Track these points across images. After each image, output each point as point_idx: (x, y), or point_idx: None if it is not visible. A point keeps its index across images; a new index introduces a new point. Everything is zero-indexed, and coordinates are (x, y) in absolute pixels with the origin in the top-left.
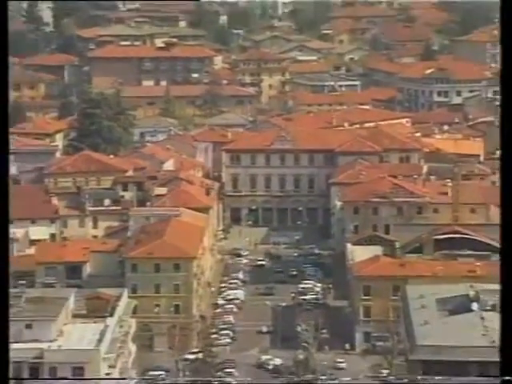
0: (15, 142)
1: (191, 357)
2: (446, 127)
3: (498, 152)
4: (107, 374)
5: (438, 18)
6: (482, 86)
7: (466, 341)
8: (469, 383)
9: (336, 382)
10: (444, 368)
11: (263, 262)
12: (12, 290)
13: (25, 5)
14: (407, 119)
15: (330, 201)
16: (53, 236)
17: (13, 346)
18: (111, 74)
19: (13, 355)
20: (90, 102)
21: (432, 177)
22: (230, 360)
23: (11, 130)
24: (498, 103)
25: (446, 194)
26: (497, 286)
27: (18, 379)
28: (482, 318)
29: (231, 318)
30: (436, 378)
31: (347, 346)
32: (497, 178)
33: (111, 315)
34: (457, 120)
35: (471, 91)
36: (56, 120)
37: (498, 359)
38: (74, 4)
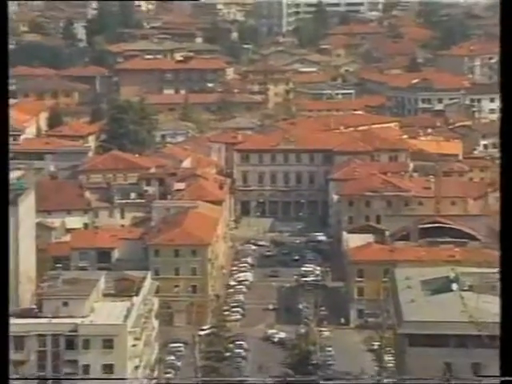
0: (53, 143)
1: (206, 331)
2: (429, 130)
3: (475, 152)
4: (133, 345)
5: (422, 35)
6: (460, 94)
7: (446, 317)
8: (469, 383)
9: (336, 382)
10: (427, 341)
11: (269, 248)
12: (50, 272)
13: (62, 23)
14: (395, 123)
15: (328, 195)
16: (86, 225)
17: (52, 320)
18: (136, 84)
19: (51, 329)
20: (118, 108)
21: (417, 173)
22: (240, 334)
23: (50, 132)
24: (474, 109)
25: (429, 188)
26: (474, 269)
27: (18, 379)
28: (461, 297)
29: (241, 297)
30: (436, 377)
31: (343, 321)
32: (473, 174)
33: (137, 294)
34: (439, 124)
35: (451, 99)
36: (88, 124)
37: (476, 333)
38: (104, 22)
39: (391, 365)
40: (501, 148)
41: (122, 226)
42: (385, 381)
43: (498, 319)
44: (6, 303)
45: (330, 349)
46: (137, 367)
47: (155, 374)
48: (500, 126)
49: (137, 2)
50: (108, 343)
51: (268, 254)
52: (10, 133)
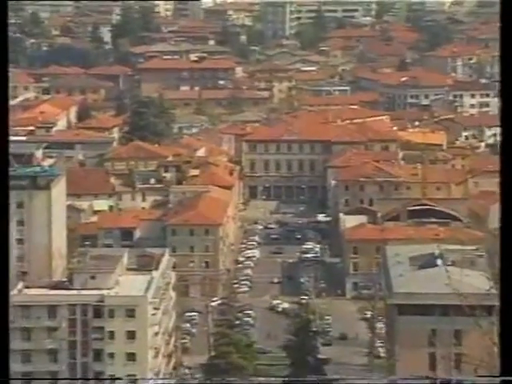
0: (82, 134)
1: (218, 301)
2: (416, 123)
3: (457, 142)
4: (153, 314)
5: (410, 38)
6: (444, 91)
7: (432, 289)
8: (469, 383)
9: (336, 381)
10: (415, 310)
11: (274, 228)
12: (79, 249)
13: (89, 28)
14: (386, 117)
15: (327, 180)
16: (110, 207)
17: (81, 292)
18: (156, 82)
19: (80, 299)
20: (139, 103)
21: (404, 162)
22: (248, 304)
23: (79, 124)
24: (456, 104)
25: (417, 175)
26: (457, 247)
27: (18, 379)
28: (445, 271)
29: (249, 272)
30: (436, 378)
31: (339, 292)
32: (456, 162)
33: (156, 269)
34: (425, 117)
35: (436, 94)
36: (113, 117)
37: (458, 303)
38: (127, 27)
39: (382, 332)
40: (501, 148)
41: (143, 208)
42: (384, 381)
43: (477, 291)
44: (6, 303)
45: (328, 317)
46: (156, 334)
47: (172, 339)
48: (500, 126)
49: (156, 9)
50: (130, 312)
51: (273, 233)
52: (44, 124)
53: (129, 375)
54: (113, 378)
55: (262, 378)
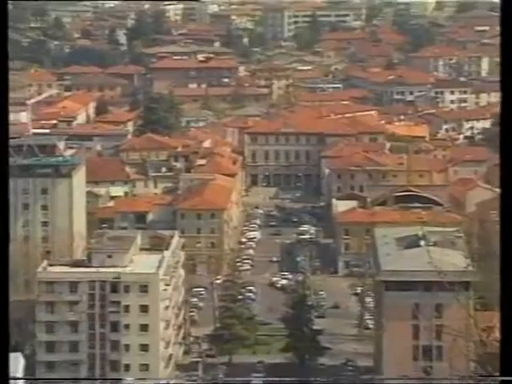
0: (100, 128)
1: (223, 278)
2: (402, 117)
3: (438, 134)
4: (164, 289)
5: (396, 40)
6: (427, 88)
7: (416, 267)
8: (469, 383)
9: (335, 382)
10: (400, 286)
11: (274, 212)
12: (97, 231)
13: (107, 31)
14: (375, 111)
15: (321, 169)
16: (126, 193)
17: (99, 269)
18: (166, 80)
19: (98, 276)
20: (151, 100)
21: (391, 152)
22: (250, 281)
23: (97, 118)
24: (438, 100)
25: (402, 164)
26: (438, 229)
27: (18, 379)
28: (428, 251)
29: (251, 251)
30: (436, 378)
31: (332, 270)
32: (437, 152)
33: (167, 249)
34: (410, 112)
35: (420, 91)
36: (128, 112)
37: (439, 279)
38: (141, 30)
39: (371, 305)
40: (500, 148)
41: (155, 194)
42: (385, 381)
43: (456, 268)
44: (6, 303)
45: (322, 292)
46: (167, 307)
47: (182, 312)
48: (500, 126)
49: (166, 14)
50: (144, 288)
51: (272, 216)
52: (66, 118)
53: (142, 345)
54: (115, 379)
55: (263, 378)
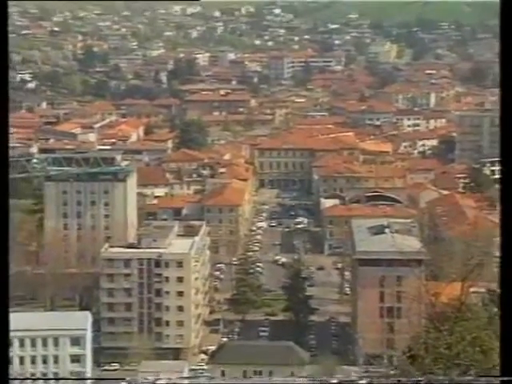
0: (147, 144)
1: (238, 257)
2: (372, 137)
3: (399, 150)
4: (194, 265)
5: (367, 80)
6: (390, 115)
7: (382, 248)
8: (468, 383)
9: (335, 382)
10: (371, 263)
11: (276, 208)
12: (145, 222)
13: (152, 73)
14: (352, 132)
15: (312, 175)
16: (166, 194)
17: (146, 250)
18: (196, 109)
19: (146, 255)
20: (185, 124)
21: (363, 163)
22: (258, 259)
23: (145, 138)
24: (398, 124)
25: (372, 172)
26: (399, 220)
27: (18, 379)
28: (392, 237)
29: (259, 237)
30: (437, 378)
31: (320, 251)
32: (398, 163)
33: (196, 235)
34: (377, 133)
35: (385, 118)
36: (168, 133)
37: (400, 257)
38: (177, 72)
39: (349, 277)
40: (500, 150)
41: (188, 194)
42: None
43: (411, 249)
44: (6, 303)
45: (312, 268)
46: (196, 278)
47: (207, 282)
48: (500, 127)
49: (196, 60)
50: (179, 264)
51: (275, 211)
52: (122, 138)
53: (178, 306)
54: (115, 378)
55: (264, 378)
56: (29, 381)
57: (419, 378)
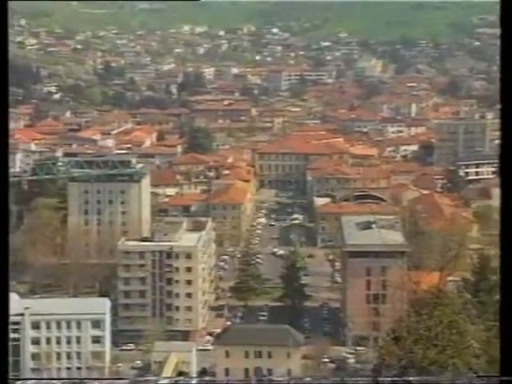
0: (158, 149)
1: (240, 249)
2: (360, 142)
3: (384, 154)
4: (201, 257)
5: (356, 92)
6: (376, 123)
7: (369, 241)
8: (468, 383)
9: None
10: (359, 254)
11: (274, 206)
12: (157, 218)
13: (164, 85)
14: (342, 138)
15: (306, 177)
16: (176, 193)
17: (158, 243)
18: (203, 117)
19: (158, 248)
20: (193, 131)
21: (352, 165)
22: (258, 251)
23: (158, 143)
24: (383, 131)
25: (360, 173)
26: (384, 217)
27: (18, 379)
28: (378, 232)
29: (259, 231)
30: (437, 378)
31: (313, 243)
32: (383, 166)
33: (203, 230)
34: (365, 139)
35: (371, 125)
36: (178, 139)
37: (385, 250)
38: (186, 84)
39: (339, 267)
40: (500, 149)
41: (196, 193)
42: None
43: (395, 243)
44: (6, 304)
45: (306, 259)
46: (203, 268)
47: (213, 272)
48: (500, 128)
49: (203, 74)
50: (188, 255)
51: (273, 208)
52: (137, 143)
53: (187, 293)
54: (115, 378)
55: (265, 378)
56: (29, 381)
57: (418, 378)
